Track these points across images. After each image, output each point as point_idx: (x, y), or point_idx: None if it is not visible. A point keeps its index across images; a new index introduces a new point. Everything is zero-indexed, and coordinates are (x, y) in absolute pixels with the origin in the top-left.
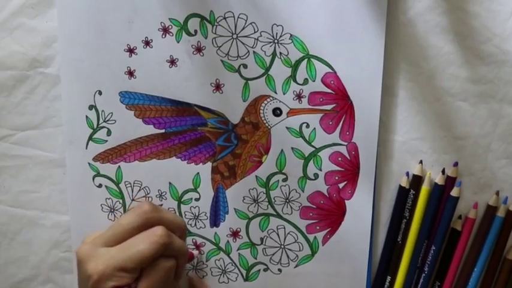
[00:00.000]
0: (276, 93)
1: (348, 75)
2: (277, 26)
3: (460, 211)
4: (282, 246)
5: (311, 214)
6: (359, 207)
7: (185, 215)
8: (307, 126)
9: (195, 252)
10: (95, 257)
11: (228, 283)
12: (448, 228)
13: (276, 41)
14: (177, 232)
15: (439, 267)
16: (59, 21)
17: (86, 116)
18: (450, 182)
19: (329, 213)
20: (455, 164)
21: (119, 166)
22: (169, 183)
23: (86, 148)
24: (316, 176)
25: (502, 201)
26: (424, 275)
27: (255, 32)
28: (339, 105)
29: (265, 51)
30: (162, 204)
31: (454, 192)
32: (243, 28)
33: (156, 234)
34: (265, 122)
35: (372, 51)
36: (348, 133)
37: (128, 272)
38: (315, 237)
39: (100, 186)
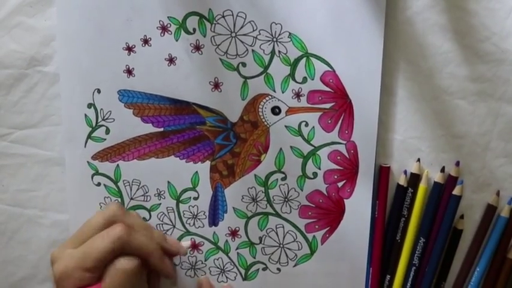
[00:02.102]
0: (274, 91)
1: (347, 74)
2: (276, 24)
3: (459, 210)
4: (281, 246)
5: (310, 213)
6: (358, 206)
7: (184, 214)
8: (306, 124)
9: (186, 244)
10: (60, 259)
11: (227, 282)
12: (450, 227)
13: (274, 39)
14: (142, 231)
15: (441, 266)
16: (58, 20)
17: (85, 115)
18: (450, 180)
19: (328, 212)
20: (457, 164)
21: (118, 165)
22: (168, 182)
23: (85, 146)
24: (315, 174)
25: (507, 201)
26: (424, 273)
27: (253, 31)
28: (337, 103)
29: (264, 50)
30: (160, 204)
31: (456, 191)
32: (242, 26)
33: (114, 230)
34: (264, 120)
35: (371, 49)
36: (347, 132)
37: (89, 272)
38: (314, 236)
39: (99, 184)
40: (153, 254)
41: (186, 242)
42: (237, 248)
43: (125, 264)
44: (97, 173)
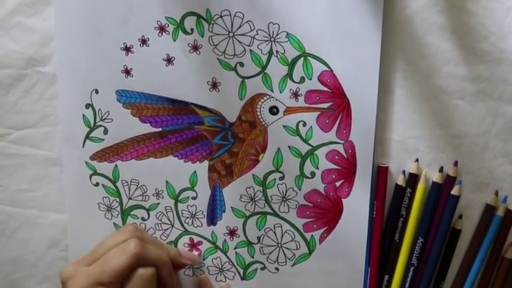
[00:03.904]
0: (272, 91)
1: (345, 74)
2: (274, 24)
3: (458, 210)
4: (279, 245)
5: (308, 212)
6: (356, 206)
7: (182, 213)
8: (304, 124)
9: (193, 254)
10: (74, 277)
11: (225, 282)
12: (449, 227)
13: (272, 39)
14: (155, 246)
15: (440, 266)
16: (56, 20)
17: (83, 115)
18: (449, 180)
19: (326, 212)
20: (456, 164)
21: (116, 165)
22: (166, 181)
23: (83, 147)
24: (313, 174)
25: (501, 200)
26: (422, 273)
27: (251, 30)
28: (335, 103)
29: (261, 50)
30: (159, 203)
31: (454, 191)
32: (240, 26)
33: (129, 246)
34: (262, 120)
35: (369, 49)
36: (344, 131)
37: (106, 286)
38: (312, 235)
39: (97, 185)
40: (165, 266)
41: (195, 253)
42: (235, 248)
43: (143, 272)
44: (95, 173)
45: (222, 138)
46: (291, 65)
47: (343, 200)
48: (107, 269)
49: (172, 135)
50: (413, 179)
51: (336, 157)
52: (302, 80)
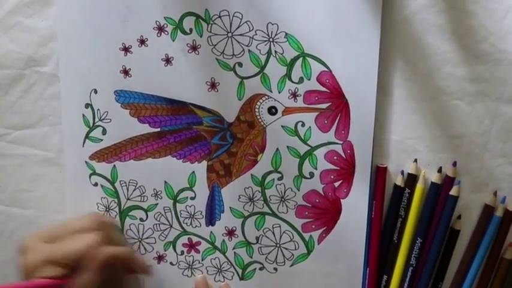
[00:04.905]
0: (271, 91)
1: (343, 74)
2: (273, 24)
3: (456, 210)
4: (278, 245)
5: (307, 213)
6: (355, 206)
7: (180, 213)
8: (303, 125)
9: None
10: (32, 250)
11: (223, 282)
12: (447, 228)
13: (271, 39)
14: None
15: (438, 267)
16: (57, 21)
17: (83, 115)
18: (448, 181)
19: (325, 212)
20: (454, 164)
21: (114, 165)
22: (165, 182)
23: (83, 146)
24: (311, 174)
25: (500, 200)
26: (421, 274)
27: (250, 31)
28: (334, 103)
29: (260, 50)
30: (157, 204)
31: (453, 192)
32: (238, 26)
33: (89, 236)
34: (260, 120)
35: (368, 49)
36: (343, 132)
37: (58, 266)
38: (311, 236)
39: (96, 185)
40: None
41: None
42: (233, 248)
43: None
44: (94, 173)
45: (220, 139)
46: (290, 65)
47: (341, 200)
48: (60, 251)
49: (170, 136)
50: (412, 180)
51: (335, 157)
52: (301, 80)
